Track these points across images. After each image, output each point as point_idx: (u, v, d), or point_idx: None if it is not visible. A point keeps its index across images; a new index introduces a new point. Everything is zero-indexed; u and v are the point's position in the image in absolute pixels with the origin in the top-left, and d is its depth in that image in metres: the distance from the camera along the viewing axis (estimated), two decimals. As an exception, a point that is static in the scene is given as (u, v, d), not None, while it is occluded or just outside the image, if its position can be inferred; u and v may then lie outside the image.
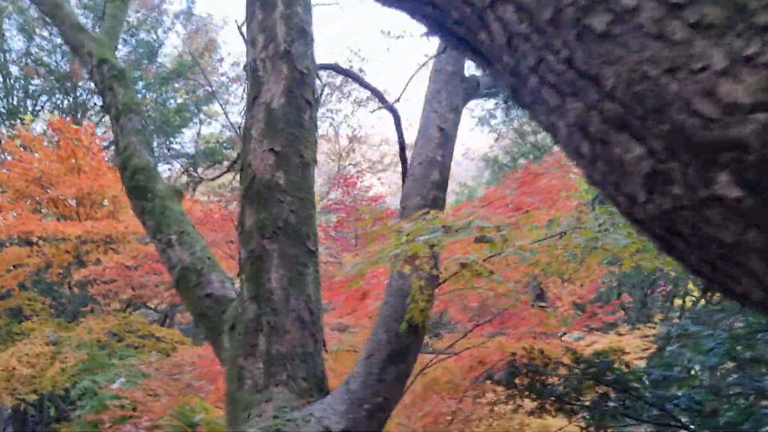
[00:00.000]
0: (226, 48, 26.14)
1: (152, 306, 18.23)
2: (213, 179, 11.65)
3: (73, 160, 12.96)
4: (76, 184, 12.19)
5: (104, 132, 16.31)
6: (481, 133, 25.75)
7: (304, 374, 3.70)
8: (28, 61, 20.18)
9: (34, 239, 13.11)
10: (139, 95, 21.99)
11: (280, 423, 3.25)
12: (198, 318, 4.48)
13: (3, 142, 13.78)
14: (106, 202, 14.63)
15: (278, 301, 3.82)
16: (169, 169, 22.55)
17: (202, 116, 25.44)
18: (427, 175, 3.78)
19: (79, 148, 12.97)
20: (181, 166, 21.74)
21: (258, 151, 4.16)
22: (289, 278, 3.90)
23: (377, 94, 6.85)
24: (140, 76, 20.61)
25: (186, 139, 24.77)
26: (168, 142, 22.60)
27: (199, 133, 26.58)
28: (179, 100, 23.30)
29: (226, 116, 18.12)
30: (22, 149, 13.31)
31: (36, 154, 13.19)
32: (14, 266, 14.70)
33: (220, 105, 17.42)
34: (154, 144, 21.92)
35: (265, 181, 4.07)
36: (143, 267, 10.91)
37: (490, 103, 23.69)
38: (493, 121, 23.74)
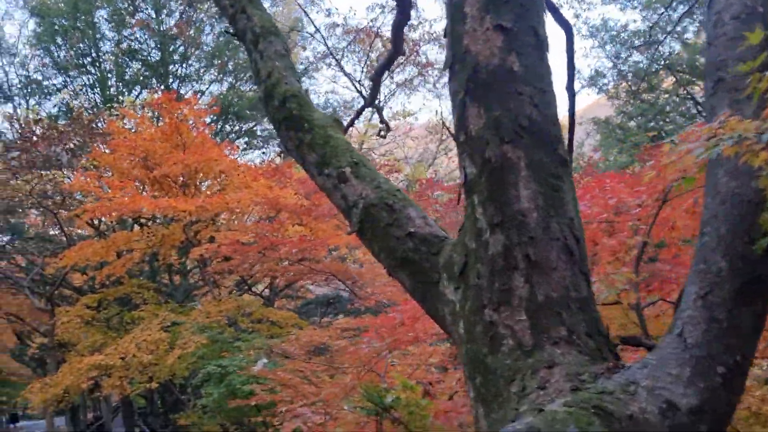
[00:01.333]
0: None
1: (257, 291, 17.66)
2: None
3: (178, 137, 12.34)
4: (182, 160, 11.53)
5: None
6: (587, 95, 24.05)
7: (586, 328, 2.56)
8: (119, 51, 20.01)
9: (143, 220, 12.63)
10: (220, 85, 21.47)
11: (594, 397, 2.12)
12: (397, 265, 3.38)
13: (105, 124, 13.34)
14: (206, 184, 14.08)
15: (534, 226, 2.66)
16: (263, 153, 21.99)
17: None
18: (749, 30, 2.55)
19: (183, 123, 12.34)
20: (278, 147, 21.14)
21: (478, 30, 2.98)
22: (543, 195, 2.74)
23: (551, 6, 5.58)
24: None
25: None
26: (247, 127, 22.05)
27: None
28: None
29: (343, 71, 16.73)
30: (125, 130, 12.84)
31: (137, 135, 12.65)
32: (118, 254, 14.39)
33: (336, 61, 16.16)
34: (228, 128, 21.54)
35: (493, 67, 2.89)
36: (259, 244, 10.11)
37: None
38: (601, 81, 22.01)
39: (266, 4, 26.29)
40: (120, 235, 12.70)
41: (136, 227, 14.15)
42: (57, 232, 19.93)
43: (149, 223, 13.52)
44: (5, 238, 17.63)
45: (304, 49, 21.23)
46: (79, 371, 10.97)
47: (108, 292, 13.90)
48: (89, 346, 12.53)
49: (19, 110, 14.57)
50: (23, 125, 12.46)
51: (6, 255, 18.70)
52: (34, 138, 12.20)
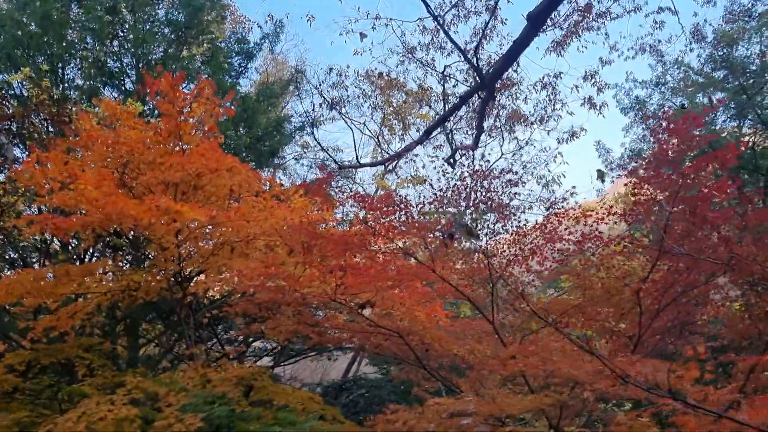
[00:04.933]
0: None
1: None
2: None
3: (177, 141, 9.01)
4: (181, 163, 8.16)
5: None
6: None
7: None
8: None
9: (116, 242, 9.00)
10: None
11: None
12: None
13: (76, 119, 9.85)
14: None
15: None
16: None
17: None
18: None
19: (185, 123, 9.04)
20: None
21: None
22: None
23: None
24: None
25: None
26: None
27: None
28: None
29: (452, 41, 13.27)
30: (102, 128, 9.42)
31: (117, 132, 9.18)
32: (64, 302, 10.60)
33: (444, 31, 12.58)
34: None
35: None
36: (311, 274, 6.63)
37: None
38: None
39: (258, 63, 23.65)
40: (75, 268, 8.97)
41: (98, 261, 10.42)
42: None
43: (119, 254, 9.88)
44: None
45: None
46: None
47: (42, 350, 9.88)
48: (7, 426, 8.46)
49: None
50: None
51: None
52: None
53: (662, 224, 6.48)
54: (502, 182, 7.05)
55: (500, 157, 18.37)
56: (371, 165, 16.76)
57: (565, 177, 20.75)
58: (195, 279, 9.49)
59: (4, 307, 11.47)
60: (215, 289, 7.30)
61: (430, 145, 18.66)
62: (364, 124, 19.60)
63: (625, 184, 6.65)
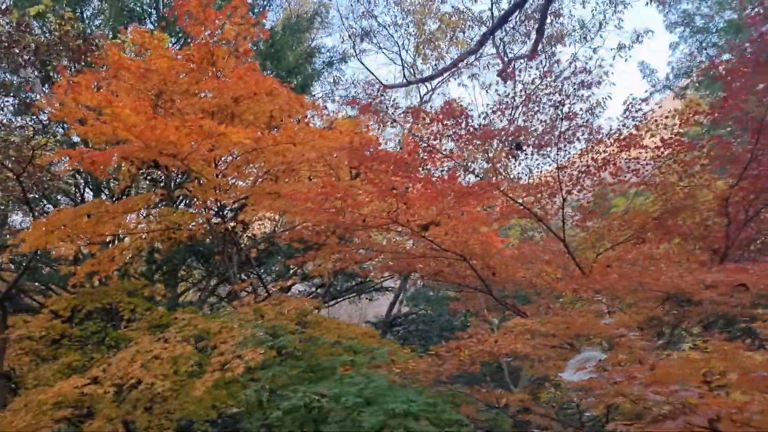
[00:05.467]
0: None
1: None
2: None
3: (210, 67, 8.43)
4: (217, 87, 7.61)
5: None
6: None
7: None
8: None
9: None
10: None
11: None
12: None
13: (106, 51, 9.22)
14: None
15: None
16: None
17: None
18: None
19: (218, 47, 8.44)
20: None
21: None
22: None
23: None
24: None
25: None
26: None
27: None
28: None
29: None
30: (131, 57, 8.86)
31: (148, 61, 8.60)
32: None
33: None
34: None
35: None
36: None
37: None
38: None
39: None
40: (114, 205, 8.54)
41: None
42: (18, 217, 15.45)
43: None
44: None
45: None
46: (40, 408, 6.73)
47: (86, 294, 9.58)
48: (58, 370, 8.22)
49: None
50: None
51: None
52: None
53: (760, 119, 5.77)
54: (574, 84, 6.38)
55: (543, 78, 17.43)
56: (422, 81, 16.02)
57: (611, 98, 19.66)
58: (237, 214, 9.06)
59: (44, 257, 11.21)
60: (257, 225, 6.80)
61: (466, 74, 17.85)
62: (398, 54, 18.79)
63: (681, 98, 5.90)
